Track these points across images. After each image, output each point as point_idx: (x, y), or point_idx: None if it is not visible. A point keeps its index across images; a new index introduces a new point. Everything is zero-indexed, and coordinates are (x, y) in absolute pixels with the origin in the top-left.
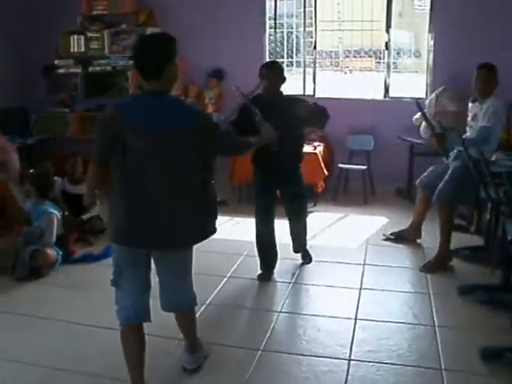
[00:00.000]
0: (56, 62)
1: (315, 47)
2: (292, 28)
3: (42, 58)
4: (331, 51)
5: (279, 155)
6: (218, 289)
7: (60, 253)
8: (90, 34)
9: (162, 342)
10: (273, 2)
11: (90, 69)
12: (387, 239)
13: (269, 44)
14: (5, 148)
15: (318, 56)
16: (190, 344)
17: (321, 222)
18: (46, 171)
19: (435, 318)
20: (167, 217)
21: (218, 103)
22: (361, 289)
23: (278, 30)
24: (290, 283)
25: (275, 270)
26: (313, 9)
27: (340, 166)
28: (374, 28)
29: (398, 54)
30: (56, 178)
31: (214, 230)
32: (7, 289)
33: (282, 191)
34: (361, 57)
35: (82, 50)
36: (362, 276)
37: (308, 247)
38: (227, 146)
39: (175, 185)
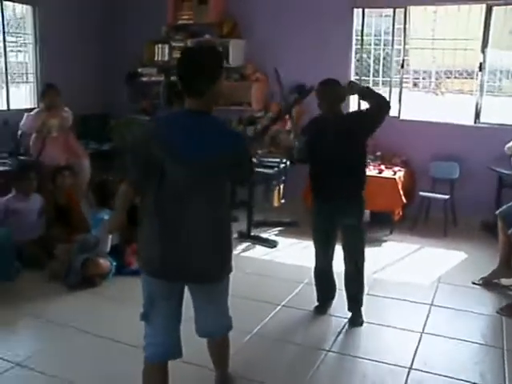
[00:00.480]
0: (140, 70)
1: (402, 66)
2: (380, 45)
3: (127, 65)
4: (423, 71)
5: (337, 181)
6: (267, 318)
7: (114, 263)
8: (173, 44)
9: (192, 370)
10: (360, 18)
11: (172, 78)
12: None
13: (356, 61)
14: (76, 153)
15: (408, 76)
16: (220, 376)
17: (393, 252)
18: (109, 178)
19: (507, 382)
20: (207, 247)
21: (299, 119)
22: (422, 333)
23: (365, 47)
24: (345, 318)
25: (333, 303)
26: (402, 26)
27: (421, 193)
28: (469, 47)
29: (494, 75)
30: None
31: None
32: (56, 295)
33: (338, 221)
34: (455, 78)
35: (166, 58)
36: (427, 318)
37: (363, 308)
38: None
39: (214, 212)
